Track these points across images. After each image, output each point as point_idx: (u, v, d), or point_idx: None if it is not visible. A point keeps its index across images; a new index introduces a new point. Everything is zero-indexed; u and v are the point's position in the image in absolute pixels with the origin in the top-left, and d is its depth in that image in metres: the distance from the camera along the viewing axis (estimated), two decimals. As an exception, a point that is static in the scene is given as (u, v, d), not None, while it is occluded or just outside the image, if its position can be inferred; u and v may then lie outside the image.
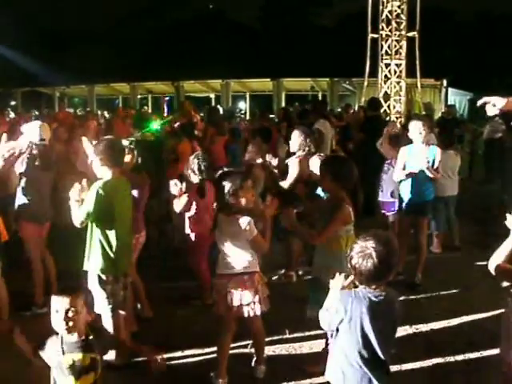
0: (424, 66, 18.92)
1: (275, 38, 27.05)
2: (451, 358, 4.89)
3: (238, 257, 4.32)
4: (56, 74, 27.37)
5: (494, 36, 29.94)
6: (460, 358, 4.91)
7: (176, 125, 10.91)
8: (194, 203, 5.87)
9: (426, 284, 6.53)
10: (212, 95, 32.74)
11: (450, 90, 27.51)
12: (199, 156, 5.97)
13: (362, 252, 3.03)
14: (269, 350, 4.90)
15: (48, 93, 32.30)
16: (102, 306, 4.53)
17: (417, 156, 6.45)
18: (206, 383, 4.41)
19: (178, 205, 5.82)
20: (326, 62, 24.74)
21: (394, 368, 4.60)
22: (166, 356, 4.79)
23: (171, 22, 35.16)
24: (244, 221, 4.22)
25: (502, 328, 3.63)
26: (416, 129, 6.48)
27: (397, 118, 17.44)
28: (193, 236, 5.99)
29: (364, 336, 3.06)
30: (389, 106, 17.88)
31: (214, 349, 4.67)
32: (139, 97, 30.77)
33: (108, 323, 4.56)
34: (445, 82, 25.06)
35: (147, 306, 5.76)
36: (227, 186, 4.34)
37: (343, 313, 3.07)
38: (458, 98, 30.06)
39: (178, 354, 4.97)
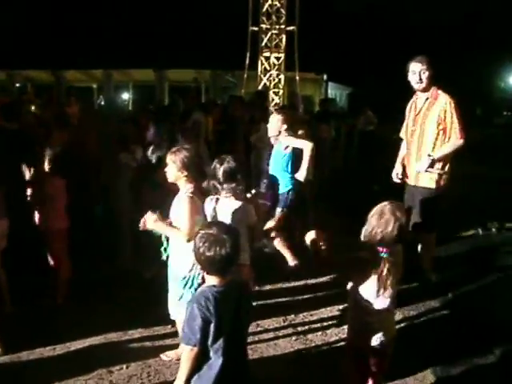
0: (305, 60, 19.31)
1: (158, 28, 26.63)
2: (322, 347, 5.00)
3: None
4: None
5: (374, 32, 31.00)
6: (329, 341, 5.06)
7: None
8: (54, 198, 5.69)
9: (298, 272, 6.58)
10: (95, 85, 31.92)
11: (330, 84, 28.36)
12: (57, 150, 5.75)
13: (215, 240, 2.98)
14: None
15: None
16: None
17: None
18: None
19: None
20: (208, 53, 24.66)
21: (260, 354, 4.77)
22: (26, 352, 4.71)
23: (51, 7, 33.67)
24: None
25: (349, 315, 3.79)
26: (271, 122, 6.50)
27: (275, 110, 17.68)
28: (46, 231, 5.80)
29: (227, 332, 2.99)
30: (268, 99, 18.13)
31: (75, 343, 4.63)
32: (18, 85, 29.38)
33: None
34: (325, 77, 25.79)
35: (9, 301, 5.48)
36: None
37: (210, 317, 2.92)
38: (338, 92, 31.10)
39: (39, 349, 4.80)
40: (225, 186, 4.43)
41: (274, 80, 18.54)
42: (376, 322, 3.47)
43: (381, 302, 3.45)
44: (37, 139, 6.91)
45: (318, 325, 5.36)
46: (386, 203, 3.48)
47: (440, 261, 6.54)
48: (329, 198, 9.68)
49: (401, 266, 3.53)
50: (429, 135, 5.75)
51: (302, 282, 6.41)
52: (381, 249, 3.38)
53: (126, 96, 32.96)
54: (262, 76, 18.55)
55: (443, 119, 5.67)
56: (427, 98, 5.79)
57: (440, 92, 5.76)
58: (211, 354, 3.01)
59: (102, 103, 26.80)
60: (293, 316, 5.52)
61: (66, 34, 27.96)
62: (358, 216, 3.73)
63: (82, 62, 25.85)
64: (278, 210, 6.35)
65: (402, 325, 5.26)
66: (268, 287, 6.16)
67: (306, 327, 5.33)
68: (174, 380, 3.07)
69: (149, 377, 4.38)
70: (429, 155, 5.72)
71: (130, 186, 6.71)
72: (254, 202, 4.72)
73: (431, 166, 5.73)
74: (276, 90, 18.56)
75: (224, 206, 4.43)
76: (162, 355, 4.59)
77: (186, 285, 4.18)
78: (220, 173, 4.44)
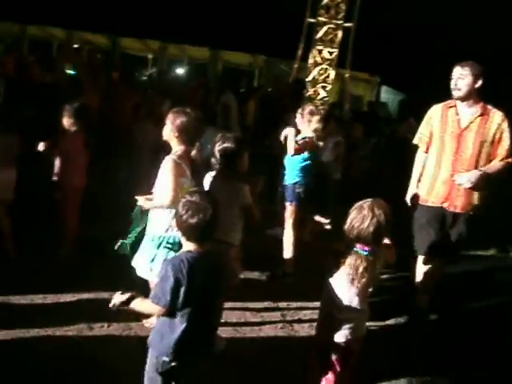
0: (359, 59, 19.00)
1: (218, 9, 26.70)
2: (306, 340, 4.86)
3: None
4: None
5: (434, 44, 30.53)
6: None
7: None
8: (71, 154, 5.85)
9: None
10: (150, 56, 32.13)
11: (384, 87, 27.93)
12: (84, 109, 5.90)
13: (197, 208, 3.04)
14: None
15: None
16: None
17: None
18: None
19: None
20: (264, 39, 24.56)
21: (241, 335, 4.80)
22: (18, 296, 4.85)
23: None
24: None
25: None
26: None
27: (321, 104, 17.52)
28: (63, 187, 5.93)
29: (195, 299, 3.04)
30: (315, 92, 17.96)
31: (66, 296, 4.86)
32: (75, 46, 29.83)
33: None
34: (378, 79, 25.46)
35: (12, 249, 5.66)
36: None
37: (182, 279, 2.97)
38: (391, 97, 30.64)
39: (31, 296, 4.93)
40: (221, 163, 4.49)
41: (323, 74, 18.34)
42: (345, 320, 3.44)
43: (351, 299, 3.43)
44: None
45: (308, 317, 5.32)
46: (368, 199, 3.46)
47: (450, 278, 6.37)
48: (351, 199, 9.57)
49: (379, 268, 3.49)
50: (487, 156, 5.20)
51: (301, 272, 6.26)
52: (361, 246, 3.36)
53: (180, 71, 33.11)
54: (311, 69, 18.37)
55: (499, 138, 5.17)
56: (482, 114, 5.18)
57: (490, 107, 5.23)
58: (177, 316, 3.06)
59: (155, 75, 27.03)
60: (284, 304, 5.54)
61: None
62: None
63: (138, 30, 26.02)
64: (287, 204, 6.18)
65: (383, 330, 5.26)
66: (267, 272, 6.16)
67: (295, 317, 5.33)
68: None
69: (127, 339, 4.46)
70: (480, 170, 5.17)
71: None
72: (255, 184, 4.75)
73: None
74: (324, 84, 18.37)
75: (217, 183, 4.46)
76: (144, 321, 4.64)
77: (160, 245, 4.23)
78: (216, 151, 4.49)
